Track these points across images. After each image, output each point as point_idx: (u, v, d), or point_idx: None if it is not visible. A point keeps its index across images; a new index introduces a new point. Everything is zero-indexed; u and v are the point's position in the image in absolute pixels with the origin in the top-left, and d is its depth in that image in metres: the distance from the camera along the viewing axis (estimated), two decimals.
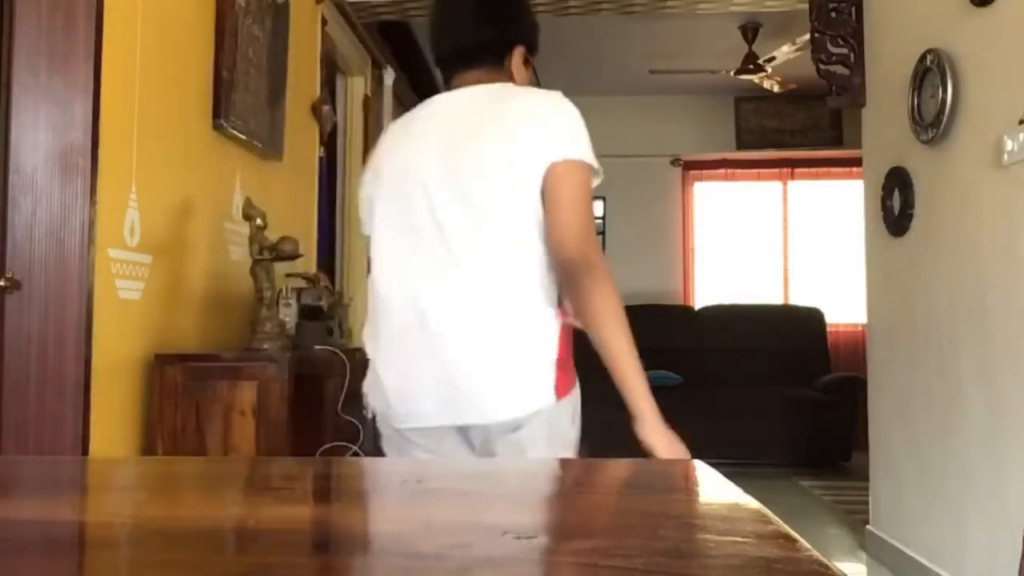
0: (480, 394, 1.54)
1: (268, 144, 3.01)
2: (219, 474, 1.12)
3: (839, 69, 3.76)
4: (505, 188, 1.55)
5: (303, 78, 3.52)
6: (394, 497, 0.95)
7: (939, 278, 3.09)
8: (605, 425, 5.65)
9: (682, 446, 1.47)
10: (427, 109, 1.71)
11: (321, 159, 3.86)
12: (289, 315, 2.56)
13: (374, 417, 1.72)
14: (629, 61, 6.19)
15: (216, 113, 2.62)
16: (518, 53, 1.75)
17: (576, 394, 1.63)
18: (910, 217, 3.30)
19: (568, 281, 1.55)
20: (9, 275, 1.91)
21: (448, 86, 1.75)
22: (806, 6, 3.78)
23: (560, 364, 1.57)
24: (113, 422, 2.08)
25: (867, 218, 3.77)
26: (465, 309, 1.54)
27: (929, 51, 3.03)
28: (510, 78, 1.73)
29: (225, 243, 2.79)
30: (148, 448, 2.19)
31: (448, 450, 1.61)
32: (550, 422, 1.57)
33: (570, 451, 1.63)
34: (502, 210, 1.55)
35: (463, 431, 1.59)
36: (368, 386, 1.69)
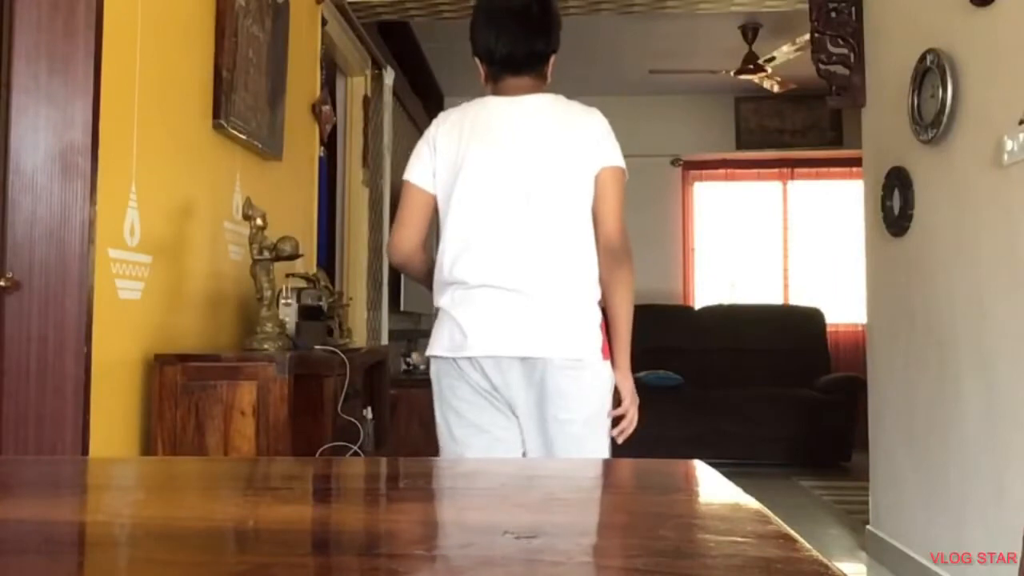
0: (554, 334, 1.94)
1: (268, 144, 3.01)
2: (219, 474, 1.12)
3: (839, 69, 3.76)
4: (571, 181, 1.99)
5: (303, 78, 3.52)
6: (394, 497, 0.95)
7: (939, 278, 3.09)
8: None
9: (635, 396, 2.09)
10: (497, 109, 2.06)
11: (321, 159, 3.86)
12: (289, 315, 2.56)
13: (425, 368, 2.22)
14: (629, 61, 6.19)
15: (216, 113, 2.62)
16: (553, 59, 2.12)
17: (611, 372, 2.03)
18: (910, 217, 3.30)
19: (607, 257, 2.02)
20: (9, 275, 1.91)
21: (495, 85, 2.10)
22: (806, 6, 3.78)
23: (602, 329, 2.03)
24: (113, 422, 2.08)
25: (867, 218, 3.77)
26: (546, 271, 1.95)
27: (929, 51, 3.03)
28: (545, 80, 2.12)
29: (225, 243, 2.79)
30: (148, 448, 2.19)
31: (511, 379, 1.95)
32: (598, 375, 1.99)
33: (604, 415, 2.02)
34: (569, 197, 1.99)
35: (528, 363, 1.94)
36: (435, 335, 2.06)
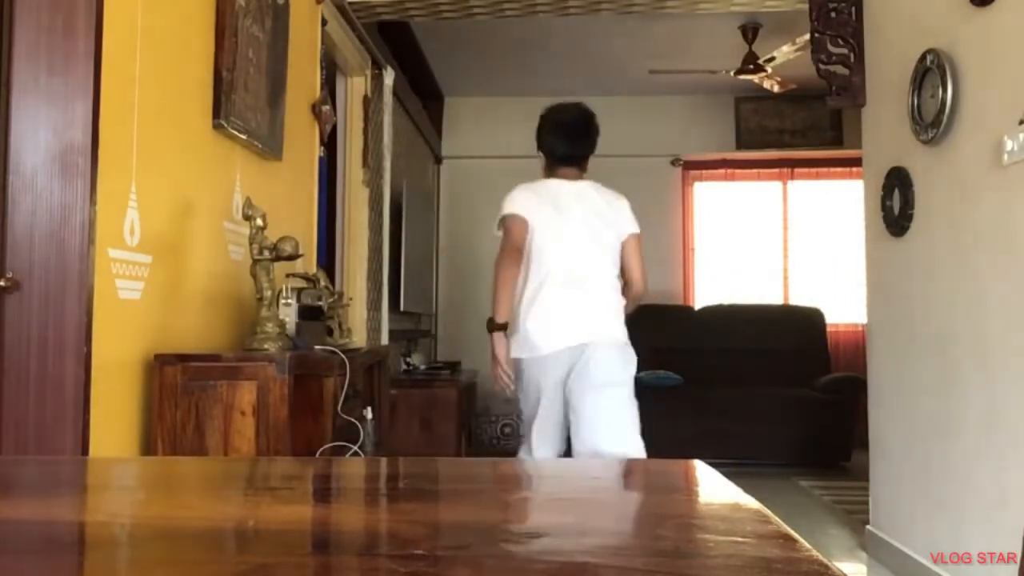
0: (606, 326, 3.03)
1: (268, 144, 3.01)
2: (219, 474, 1.12)
3: (839, 69, 3.76)
4: (612, 240, 3.13)
5: (303, 78, 3.52)
6: (394, 497, 0.95)
7: (939, 278, 3.09)
8: None
9: None
10: (560, 189, 3.13)
11: (321, 159, 3.86)
12: (289, 315, 2.56)
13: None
14: (629, 61, 6.19)
15: (216, 113, 2.62)
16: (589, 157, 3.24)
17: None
18: (910, 217, 3.30)
19: (634, 295, 3.20)
20: (9, 275, 1.91)
21: (552, 171, 3.18)
22: (806, 6, 3.78)
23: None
24: (113, 422, 2.08)
25: (867, 218, 3.77)
26: (601, 291, 3.05)
27: (929, 51, 3.03)
28: (585, 169, 3.24)
29: (225, 243, 2.79)
30: (148, 448, 2.18)
31: (567, 359, 2.94)
32: (626, 353, 3.09)
33: (630, 381, 3.11)
34: (611, 250, 3.12)
35: (583, 347, 2.94)
36: (518, 344, 2.96)
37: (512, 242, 2.99)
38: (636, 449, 2.99)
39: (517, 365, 2.99)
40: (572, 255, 3.02)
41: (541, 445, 2.98)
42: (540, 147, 3.18)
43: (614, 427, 2.98)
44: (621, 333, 3.05)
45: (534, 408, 2.99)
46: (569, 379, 2.96)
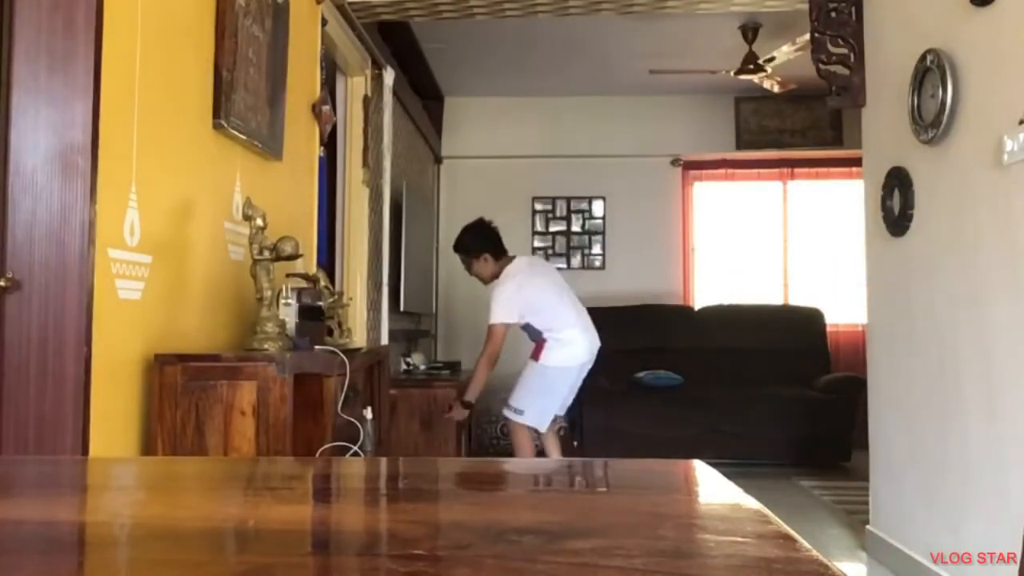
0: (595, 350, 4.37)
1: (268, 144, 3.01)
2: (219, 474, 1.12)
3: (839, 69, 3.76)
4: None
5: (303, 78, 3.52)
6: (394, 497, 0.95)
7: (939, 278, 3.09)
8: (605, 427, 5.76)
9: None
10: (539, 266, 4.63)
11: (321, 159, 3.86)
12: (289, 315, 2.56)
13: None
14: (629, 61, 6.18)
15: (216, 113, 2.62)
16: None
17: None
18: (910, 217, 3.30)
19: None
20: (9, 275, 1.91)
21: (502, 261, 4.44)
22: (806, 6, 3.78)
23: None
24: (113, 422, 2.08)
25: (867, 218, 3.77)
26: (591, 325, 4.40)
27: (929, 51, 3.03)
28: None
29: (225, 243, 2.79)
30: (148, 448, 2.19)
31: (583, 371, 4.39)
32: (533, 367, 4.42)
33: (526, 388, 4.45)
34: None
35: (587, 364, 4.34)
36: (560, 359, 4.28)
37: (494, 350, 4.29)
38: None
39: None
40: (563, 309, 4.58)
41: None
42: (483, 250, 4.41)
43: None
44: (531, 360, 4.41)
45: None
46: None
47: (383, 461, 1.52)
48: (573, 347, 4.27)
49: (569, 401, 4.45)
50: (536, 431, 4.35)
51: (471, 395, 4.36)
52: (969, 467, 2.88)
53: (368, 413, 2.86)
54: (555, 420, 4.44)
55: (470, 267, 4.44)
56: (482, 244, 4.38)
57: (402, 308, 5.40)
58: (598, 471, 1.14)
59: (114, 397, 2.08)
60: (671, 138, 7.15)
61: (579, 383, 4.42)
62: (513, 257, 4.43)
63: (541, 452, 4.49)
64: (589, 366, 4.37)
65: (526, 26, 5.34)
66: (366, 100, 4.70)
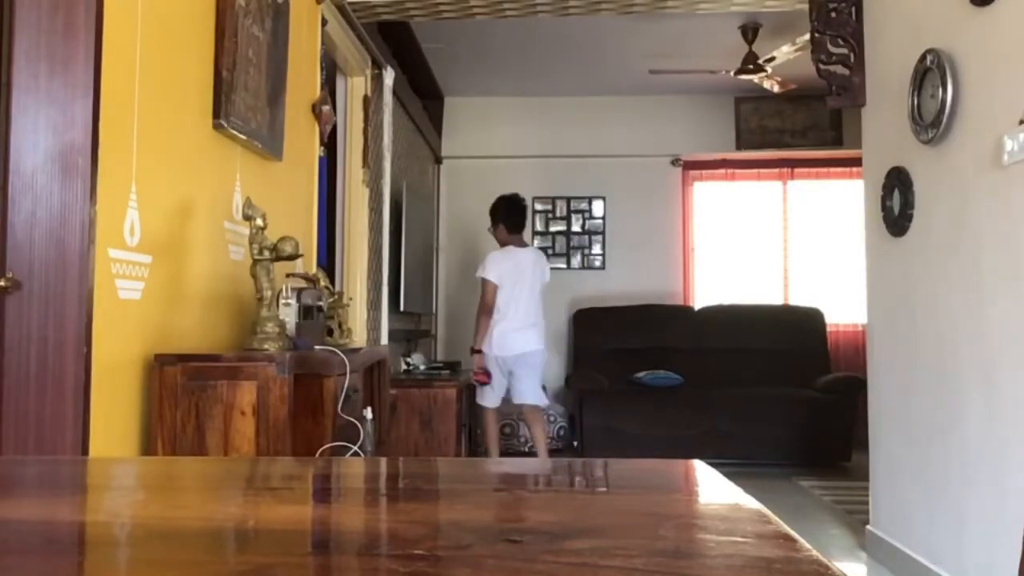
0: (538, 339, 4.99)
1: (268, 144, 3.01)
2: (219, 474, 1.12)
3: (839, 69, 3.76)
4: (540, 288, 5.03)
5: (303, 78, 3.52)
6: (393, 497, 0.95)
7: (939, 278, 3.09)
8: (604, 427, 5.77)
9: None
10: (520, 253, 5.00)
11: (321, 159, 3.86)
12: (289, 315, 2.56)
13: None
14: (629, 61, 6.19)
15: (216, 113, 2.62)
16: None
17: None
18: (910, 217, 3.30)
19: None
20: (9, 275, 1.91)
21: (512, 237, 5.05)
22: (806, 6, 3.78)
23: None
24: (113, 422, 2.08)
25: (867, 218, 3.77)
26: (537, 315, 4.98)
27: (929, 51, 3.03)
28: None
29: (225, 243, 2.79)
30: (148, 448, 2.18)
31: (521, 361, 4.92)
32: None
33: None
34: (540, 293, 5.04)
35: (529, 354, 4.92)
36: (494, 345, 4.88)
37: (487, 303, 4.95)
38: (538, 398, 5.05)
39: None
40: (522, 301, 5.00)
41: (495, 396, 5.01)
42: (500, 220, 5.04)
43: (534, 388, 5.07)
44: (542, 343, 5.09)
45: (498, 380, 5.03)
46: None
47: (383, 461, 1.52)
48: (503, 338, 4.87)
49: (528, 389, 4.95)
50: (496, 411, 5.04)
51: (477, 343, 4.99)
52: (969, 467, 2.88)
53: (368, 413, 2.86)
54: (537, 409, 5.03)
55: (493, 231, 5.13)
56: (502, 215, 5.04)
57: (402, 308, 5.40)
58: (598, 471, 1.14)
59: (114, 397, 2.08)
60: (671, 138, 7.15)
61: (527, 372, 4.92)
62: (524, 244, 5.15)
63: (502, 431, 5.53)
64: (532, 361, 4.92)
65: (526, 26, 5.34)
66: (366, 100, 4.70)
